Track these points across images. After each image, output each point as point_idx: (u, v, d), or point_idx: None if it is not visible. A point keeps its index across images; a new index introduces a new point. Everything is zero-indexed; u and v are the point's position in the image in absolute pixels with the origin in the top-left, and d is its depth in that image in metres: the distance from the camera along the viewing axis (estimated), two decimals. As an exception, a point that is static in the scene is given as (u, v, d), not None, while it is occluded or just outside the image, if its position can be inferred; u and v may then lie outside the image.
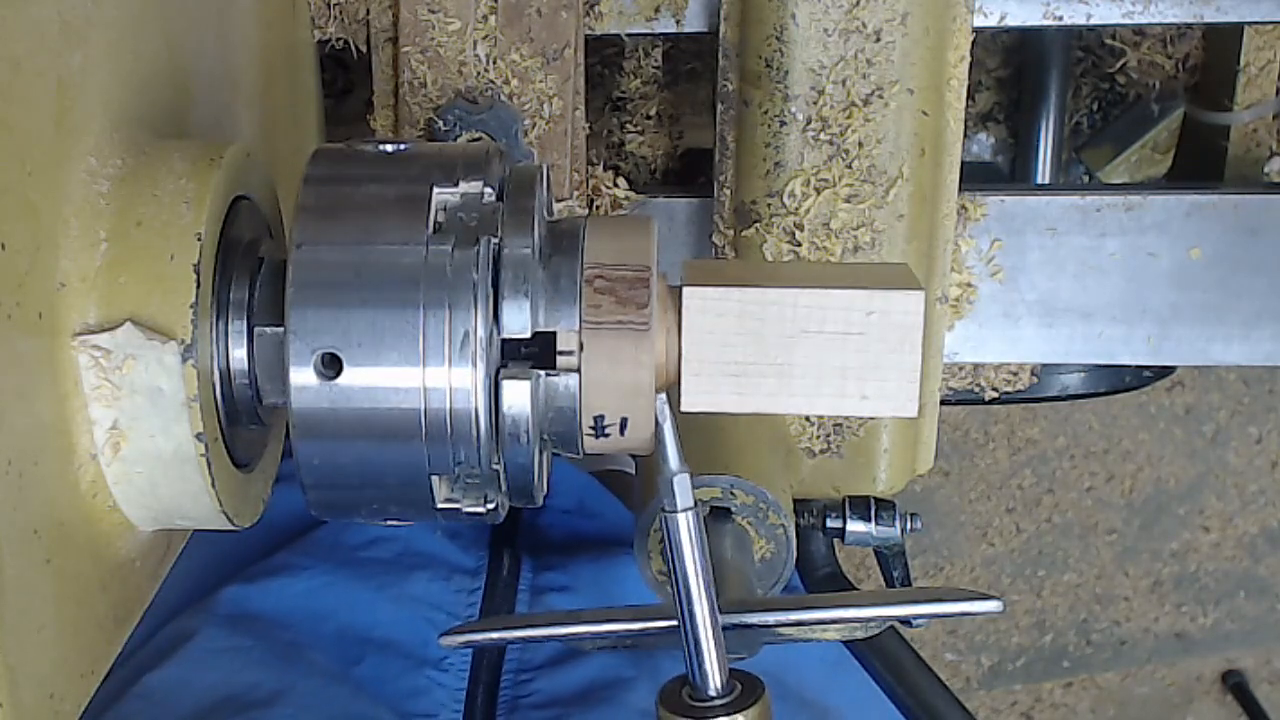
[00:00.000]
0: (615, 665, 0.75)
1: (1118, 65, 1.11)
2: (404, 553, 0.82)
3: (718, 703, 0.48)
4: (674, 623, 0.53)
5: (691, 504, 0.48)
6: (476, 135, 0.70)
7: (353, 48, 0.76)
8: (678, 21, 0.75)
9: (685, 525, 0.48)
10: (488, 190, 0.46)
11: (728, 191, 0.73)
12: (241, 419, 0.50)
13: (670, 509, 0.48)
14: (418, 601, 0.79)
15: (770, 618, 0.55)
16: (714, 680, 0.49)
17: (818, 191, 0.69)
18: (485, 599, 0.81)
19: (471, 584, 0.82)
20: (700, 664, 0.49)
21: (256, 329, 0.48)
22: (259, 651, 0.74)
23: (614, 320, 0.45)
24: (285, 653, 0.74)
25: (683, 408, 0.47)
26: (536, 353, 0.46)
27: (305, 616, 0.77)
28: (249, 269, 0.49)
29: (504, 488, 0.47)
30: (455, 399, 0.44)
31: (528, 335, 0.45)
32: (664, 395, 0.46)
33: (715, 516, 0.64)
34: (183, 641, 0.74)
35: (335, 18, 0.75)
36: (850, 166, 0.69)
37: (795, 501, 0.71)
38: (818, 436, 0.74)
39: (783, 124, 0.69)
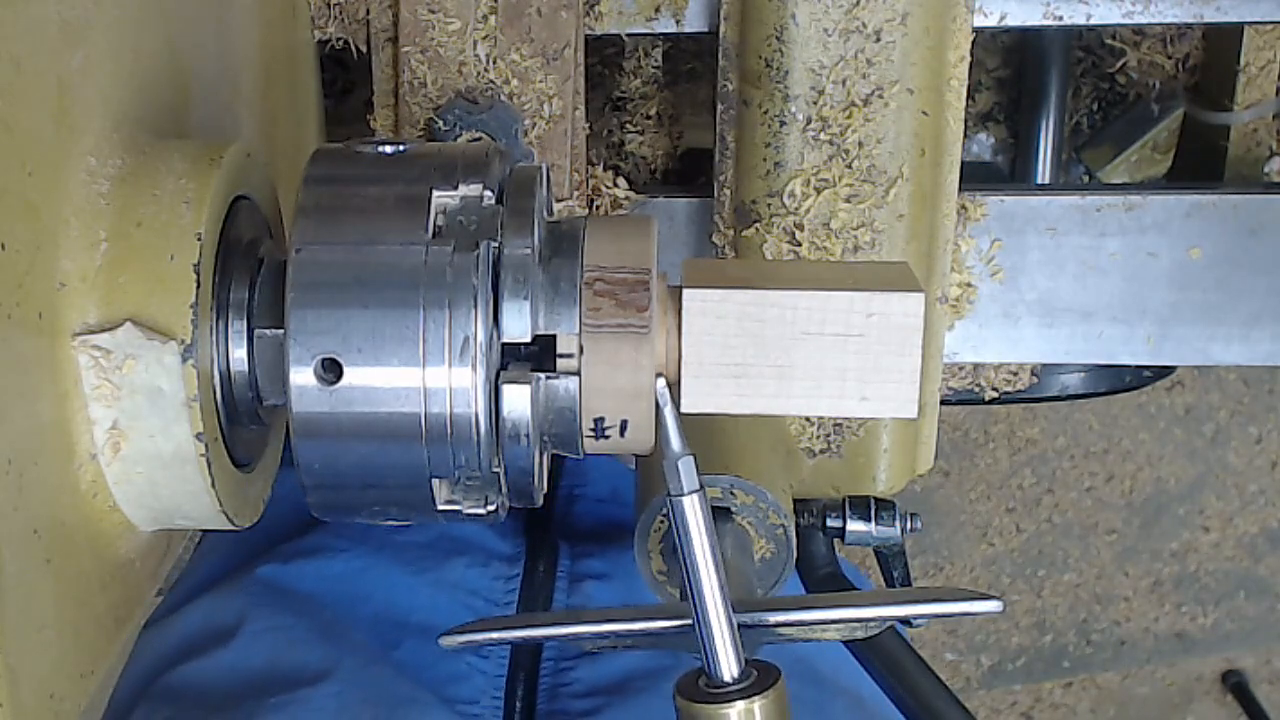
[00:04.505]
0: (654, 655, 0.74)
1: (1118, 65, 1.11)
2: (440, 536, 0.82)
3: (733, 688, 0.47)
4: (674, 622, 0.53)
5: (698, 486, 0.46)
6: (476, 135, 0.70)
7: (353, 48, 0.76)
8: (678, 21, 0.75)
9: (692, 509, 0.47)
10: (487, 193, 0.46)
11: (728, 191, 0.73)
12: (241, 419, 0.50)
13: (676, 492, 0.46)
14: (456, 587, 0.79)
15: (770, 618, 0.55)
16: (729, 667, 0.47)
17: (818, 191, 0.69)
18: (524, 586, 0.80)
19: (510, 571, 0.81)
20: (713, 651, 0.47)
21: (256, 331, 0.48)
22: (302, 629, 0.74)
23: (614, 323, 0.45)
24: (327, 631, 0.74)
25: (683, 409, 0.47)
26: (536, 353, 0.46)
27: (342, 598, 0.77)
28: (249, 269, 0.49)
29: (504, 489, 0.47)
30: (455, 402, 0.44)
31: (528, 339, 0.45)
32: (663, 380, 0.46)
33: (715, 516, 0.64)
34: (227, 626, 0.74)
35: (335, 18, 0.75)
36: (850, 166, 0.69)
37: (795, 501, 0.71)
38: (818, 436, 0.74)
39: (783, 124, 0.69)
